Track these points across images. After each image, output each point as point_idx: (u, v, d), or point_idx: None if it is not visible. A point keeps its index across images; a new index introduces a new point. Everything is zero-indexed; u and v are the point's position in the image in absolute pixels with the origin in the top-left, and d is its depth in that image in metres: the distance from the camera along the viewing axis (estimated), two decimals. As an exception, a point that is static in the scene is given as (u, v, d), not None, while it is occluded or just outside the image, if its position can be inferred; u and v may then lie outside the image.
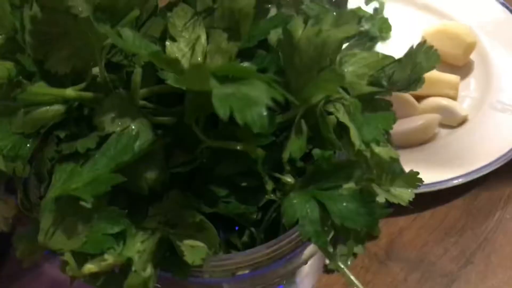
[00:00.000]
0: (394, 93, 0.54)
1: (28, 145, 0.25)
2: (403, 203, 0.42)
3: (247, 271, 0.28)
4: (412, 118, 0.52)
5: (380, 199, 0.42)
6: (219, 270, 0.27)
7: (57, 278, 0.48)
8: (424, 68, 0.32)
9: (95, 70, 0.25)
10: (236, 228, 0.29)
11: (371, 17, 0.62)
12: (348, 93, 0.28)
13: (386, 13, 0.62)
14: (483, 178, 0.49)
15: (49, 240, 0.24)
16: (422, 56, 0.31)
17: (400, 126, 0.49)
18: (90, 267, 0.23)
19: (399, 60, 0.30)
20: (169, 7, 0.27)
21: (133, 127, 0.24)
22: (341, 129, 0.27)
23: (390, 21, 0.62)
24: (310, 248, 0.31)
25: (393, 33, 0.62)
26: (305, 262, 0.31)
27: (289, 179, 0.26)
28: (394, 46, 0.61)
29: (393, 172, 0.42)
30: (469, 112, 0.53)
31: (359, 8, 0.62)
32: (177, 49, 0.25)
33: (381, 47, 0.61)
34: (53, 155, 0.25)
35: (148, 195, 0.24)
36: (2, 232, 0.49)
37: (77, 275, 0.24)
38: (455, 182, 0.47)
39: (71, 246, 0.23)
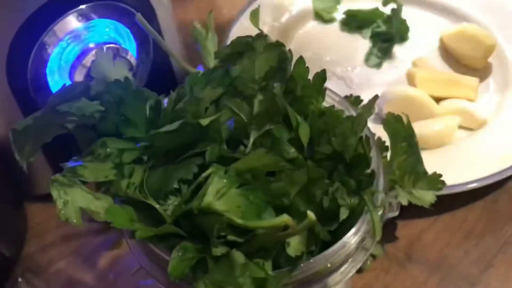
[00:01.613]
0: (413, 94, 0.54)
1: None
2: (425, 205, 0.42)
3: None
4: (431, 120, 0.52)
5: (403, 200, 0.42)
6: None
7: (72, 277, 0.47)
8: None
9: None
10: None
11: (388, 19, 0.61)
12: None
13: (404, 15, 0.62)
14: (503, 180, 0.49)
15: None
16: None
17: (419, 129, 0.49)
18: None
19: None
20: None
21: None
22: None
23: (408, 23, 0.62)
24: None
25: (411, 34, 0.62)
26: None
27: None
28: (412, 48, 0.61)
29: (416, 174, 0.42)
30: (488, 115, 0.53)
31: (376, 9, 0.62)
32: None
33: (399, 49, 0.61)
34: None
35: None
36: (16, 232, 0.49)
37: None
38: (475, 184, 0.47)
39: None
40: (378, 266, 0.45)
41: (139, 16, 0.32)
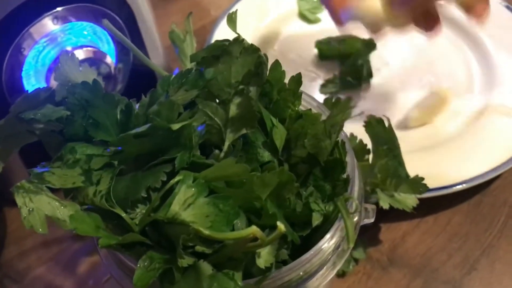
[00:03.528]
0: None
1: None
2: (406, 209, 0.42)
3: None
4: None
5: (384, 204, 0.41)
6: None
7: (50, 283, 0.47)
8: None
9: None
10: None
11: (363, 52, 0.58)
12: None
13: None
14: (487, 183, 0.48)
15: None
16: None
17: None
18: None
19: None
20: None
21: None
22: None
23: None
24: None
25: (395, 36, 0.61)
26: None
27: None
28: (397, 50, 0.61)
29: (398, 177, 0.41)
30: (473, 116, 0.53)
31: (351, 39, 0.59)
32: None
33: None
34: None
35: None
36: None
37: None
38: (459, 187, 0.46)
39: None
40: (360, 270, 0.45)
41: (106, 22, 0.32)
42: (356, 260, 0.45)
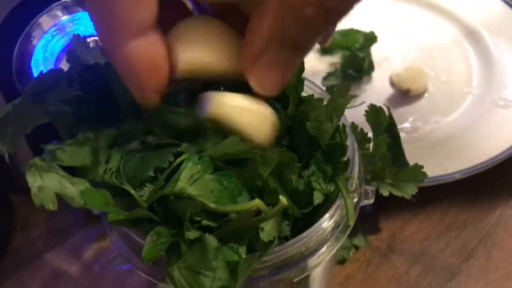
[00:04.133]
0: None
1: None
2: (406, 197, 0.42)
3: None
4: None
5: (384, 192, 0.42)
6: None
7: (57, 269, 0.48)
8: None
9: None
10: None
11: (363, 46, 0.60)
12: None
13: (389, 11, 0.62)
14: (485, 173, 0.49)
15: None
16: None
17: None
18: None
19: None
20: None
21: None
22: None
23: (393, 19, 0.62)
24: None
25: (396, 31, 0.62)
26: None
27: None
28: (397, 44, 0.62)
29: (398, 165, 0.42)
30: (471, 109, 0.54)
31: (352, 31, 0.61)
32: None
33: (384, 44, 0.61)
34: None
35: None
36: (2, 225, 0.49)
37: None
38: (457, 176, 0.47)
39: None
40: (360, 257, 0.46)
41: None
42: (356, 247, 0.46)
